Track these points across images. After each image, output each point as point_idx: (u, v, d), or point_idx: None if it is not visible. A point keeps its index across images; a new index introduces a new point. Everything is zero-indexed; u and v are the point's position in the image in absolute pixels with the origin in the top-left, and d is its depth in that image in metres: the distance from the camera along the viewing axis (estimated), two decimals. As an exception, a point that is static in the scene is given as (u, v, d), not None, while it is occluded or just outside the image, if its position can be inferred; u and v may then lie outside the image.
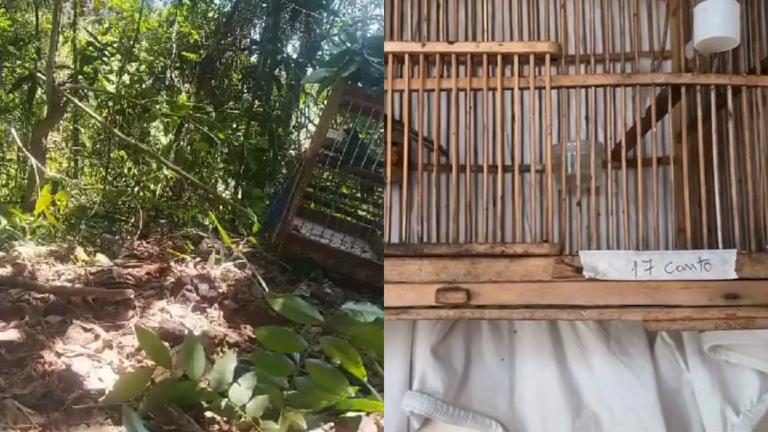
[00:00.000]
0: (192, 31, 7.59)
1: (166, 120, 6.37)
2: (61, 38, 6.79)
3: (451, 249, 1.41)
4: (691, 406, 1.79)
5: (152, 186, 6.77)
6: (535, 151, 1.55)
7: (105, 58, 6.54)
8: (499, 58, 1.52)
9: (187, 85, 7.63)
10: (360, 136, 4.15)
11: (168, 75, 7.46)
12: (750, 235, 1.45)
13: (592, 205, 1.56)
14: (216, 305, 2.84)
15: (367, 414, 1.87)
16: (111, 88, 6.69)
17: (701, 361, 1.75)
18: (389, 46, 1.51)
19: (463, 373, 1.84)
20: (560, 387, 1.80)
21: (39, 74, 6.02)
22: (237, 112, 7.51)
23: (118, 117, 7.06)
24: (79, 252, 3.51)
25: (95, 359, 2.15)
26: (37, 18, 7.24)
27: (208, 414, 1.83)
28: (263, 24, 7.96)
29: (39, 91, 6.28)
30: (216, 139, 6.48)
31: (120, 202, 6.05)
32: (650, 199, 1.51)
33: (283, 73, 7.86)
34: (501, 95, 1.51)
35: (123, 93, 6.70)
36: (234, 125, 7.63)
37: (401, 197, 1.53)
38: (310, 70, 7.34)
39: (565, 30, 1.75)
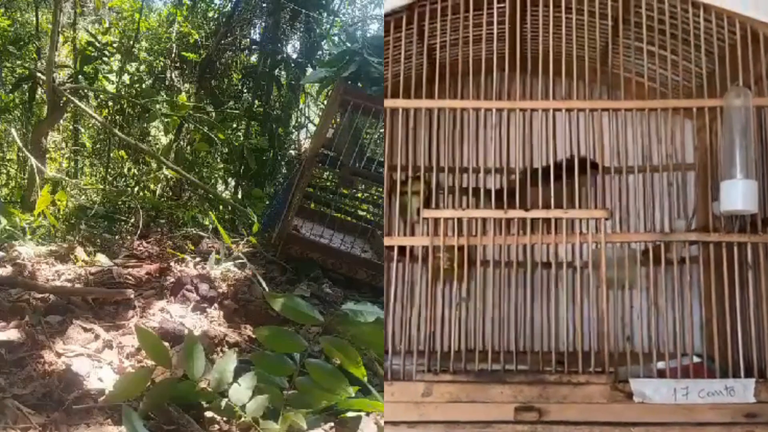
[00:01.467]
0: (192, 31, 7.60)
1: (166, 120, 6.37)
2: (61, 38, 6.79)
3: (528, 378, 1.78)
4: None
5: (152, 186, 6.78)
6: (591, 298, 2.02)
7: (105, 58, 6.54)
8: (564, 221, 1.93)
9: (187, 85, 7.64)
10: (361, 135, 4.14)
11: (168, 75, 7.47)
12: (766, 363, 1.80)
13: (627, 301, 2.05)
14: (216, 305, 2.84)
15: (367, 414, 1.87)
16: (111, 88, 6.69)
17: None
18: (480, 213, 1.92)
19: None
20: None
21: (39, 74, 6.02)
22: (237, 112, 7.52)
23: (118, 117, 7.07)
24: (79, 252, 3.51)
25: (95, 359, 2.15)
26: (37, 18, 7.25)
27: (208, 414, 1.83)
28: (263, 24, 7.97)
29: (39, 91, 6.28)
30: (216, 139, 6.48)
31: (120, 202, 6.05)
32: (678, 295, 1.89)
33: (283, 73, 7.87)
34: (565, 247, 1.96)
35: (123, 93, 6.71)
36: (234, 125, 7.64)
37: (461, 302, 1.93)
38: (310, 70, 7.35)
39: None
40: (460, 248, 1.90)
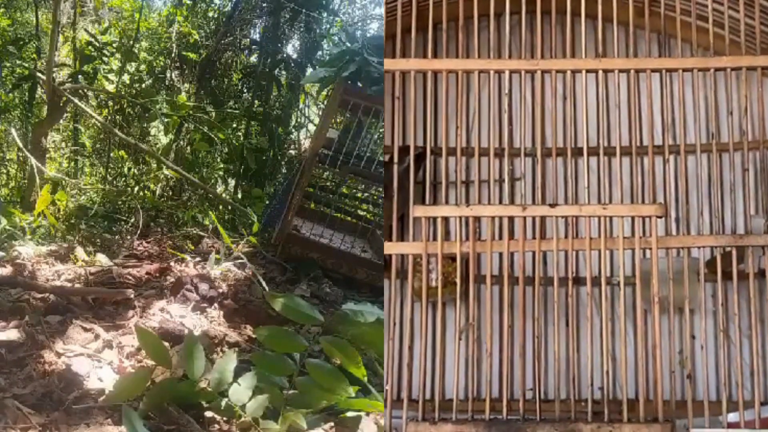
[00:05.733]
0: (192, 31, 7.59)
1: (166, 120, 6.37)
2: (61, 38, 6.79)
3: (556, 429, 1.38)
4: None
5: (152, 186, 6.77)
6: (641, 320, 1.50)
7: (105, 58, 6.54)
8: (602, 220, 1.49)
9: (187, 85, 7.63)
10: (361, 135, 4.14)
11: (168, 75, 7.46)
12: None
13: (686, 329, 1.54)
14: (216, 305, 2.84)
15: (367, 414, 1.87)
16: (111, 87, 6.69)
17: None
18: (491, 210, 1.49)
19: None
20: None
21: (39, 74, 6.02)
22: (237, 112, 7.51)
23: (118, 117, 7.06)
24: (79, 252, 3.51)
25: (95, 359, 2.15)
26: (37, 18, 7.24)
27: (208, 414, 1.83)
28: (263, 24, 7.96)
29: (39, 91, 6.28)
30: (216, 139, 6.48)
31: (120, 202, 6.05)
32: (756, 321, 1.44)
33: (283, 73, 7.86)
34: (604, 255, 1.49)
35: (123, 93, 6.70)
36: (234, 125, 7.63)
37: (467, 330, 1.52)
38: (310, 70, 7.34)
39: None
40: (464, 258, 1.49)
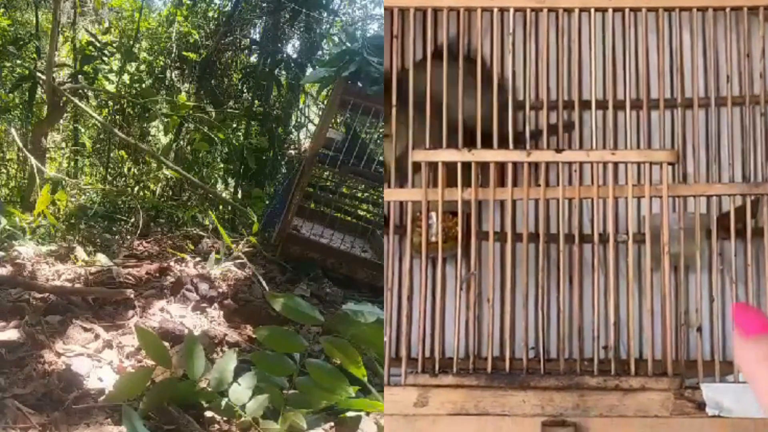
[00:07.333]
0: (192, 31, 7.59)
1: (166, 120, 6.37)
2: (61, 38, 6.79)
3: (560, 382, 1.33)
4: None
5: (152, 186, 6.78)
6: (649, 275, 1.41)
7: (105, 58, 6.54)
8: (610, 166, 1.40)
9: (187, 85, 7.63)
10: (361, 135, 4.15)
11: (168, 75, 7.46)
12: None
13: (697, 287, 1.42)
14: (216, 305, 2.84)
15: (367, 414, 1.87)
16: (111, 87, 6.69)
17: None
18: (494, 155, 1.39)
19: None
20: None
21: (39, 74, 6.02)
22: (237, 112, 7.51)
23: (118, 117, 7.07)
24: (79, 252, 3.51)
25: (95, 359, 2.15)
26: (37, 18, 7.24)
27: (208, 414, 1.83)
28: (263, 24, 7.96)
29: (39, 91, 6.28)
30: (216, 139, 6.48)
31: (120, 202, 6.05)
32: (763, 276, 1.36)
33: (283, 73, 7.86)
34: (612, 204, 1.41)
35: (123, 93, 6.71)
36: (234, 125, 7.64)
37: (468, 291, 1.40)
38: (310, 70, 7.34)
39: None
40: (465, 212, 1.41)
